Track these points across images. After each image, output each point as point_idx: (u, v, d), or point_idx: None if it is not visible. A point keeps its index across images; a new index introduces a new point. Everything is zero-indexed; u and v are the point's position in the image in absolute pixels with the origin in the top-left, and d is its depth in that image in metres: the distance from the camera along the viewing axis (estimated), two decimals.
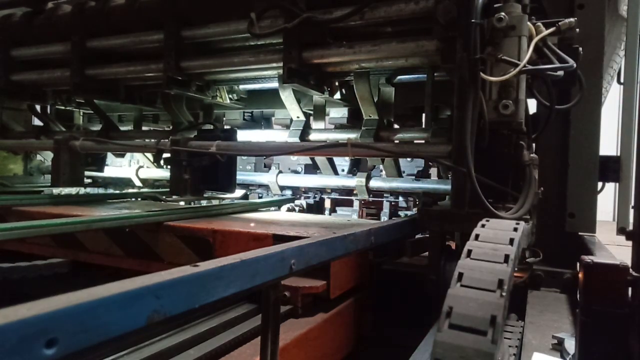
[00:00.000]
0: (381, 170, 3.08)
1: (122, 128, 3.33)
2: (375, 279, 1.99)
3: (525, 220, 1.44)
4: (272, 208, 3.01)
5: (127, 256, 2.11)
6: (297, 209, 3.17)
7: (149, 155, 3.44)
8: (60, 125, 3.52)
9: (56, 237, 2.19)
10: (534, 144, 1.89)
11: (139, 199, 3.01)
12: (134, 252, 2.10)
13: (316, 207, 3.35)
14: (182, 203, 2.36)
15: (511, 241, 1.00)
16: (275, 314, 1.10)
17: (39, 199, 2.66)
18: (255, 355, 1.27)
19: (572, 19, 1.60)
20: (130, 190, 3.40)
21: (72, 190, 2.78)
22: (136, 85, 2.92)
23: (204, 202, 2.78)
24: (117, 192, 3.42)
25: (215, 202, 2.82)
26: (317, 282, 1.63)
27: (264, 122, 3.67)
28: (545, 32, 1.57)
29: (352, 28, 2.05)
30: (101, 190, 3.54)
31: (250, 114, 3.57)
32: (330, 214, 3.31)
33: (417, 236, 2.13)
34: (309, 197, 3.31)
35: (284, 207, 3.08)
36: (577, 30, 1.63)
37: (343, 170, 3.16)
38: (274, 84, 2.73)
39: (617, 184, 2.12)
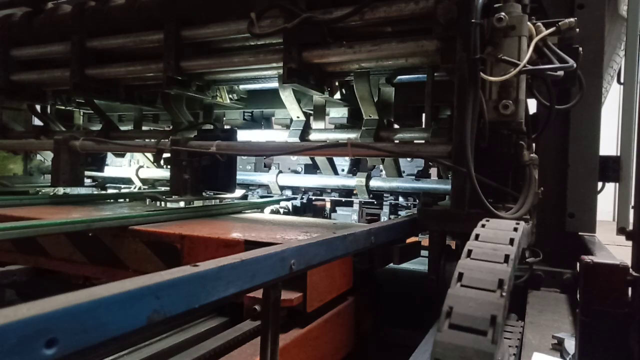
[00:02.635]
0: (381, 170, 3.08)
1: (122, 128, 3.33)
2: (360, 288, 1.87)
3: (525, 220, 1.44)
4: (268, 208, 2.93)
5: (91, 263, 1.95)
6: (282, 210, 3.06)
7: (149, 155, 3.44)
8: (60, 125, 3.52)
9: (17, 241, 2.04)
10: (534, 144, 1.89)
11: (127, 200, 2.94)
12: (98, 258, 1.94)
13: (303, 210, 3.23)
14: (181, 203, 2.34)
15: (511, 241, 1.00)
16: (275, 314, 1.10)
17: (23, 199, 2.54)
18: (255, 355, 1.27)
19: (572, 19, 1.60)
20: (127, 190, 3.40)
21: (67, 190, 2.71)
22: (136, 85, 2.92)
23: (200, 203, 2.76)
24: (116, 192, 3.42)
25: (197, 203, 2.61)
26: (292, 294, 1.47)
27: (264, 122, 3.67)
28: (545, 32, 1.57)
29: (352, 28, 2.05)
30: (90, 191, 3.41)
31: (250, 114, 3.57)
32: (330, 214, 3.31)
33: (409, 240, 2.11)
34: (295, 199, 3.21)
35: (268, 209, 2.93)
36: (577, 30, 1.63)
37: (343, 170, 3.16)
38: (274, 84, 2.73)
39: (617, 184, 2.12)
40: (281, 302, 1.35)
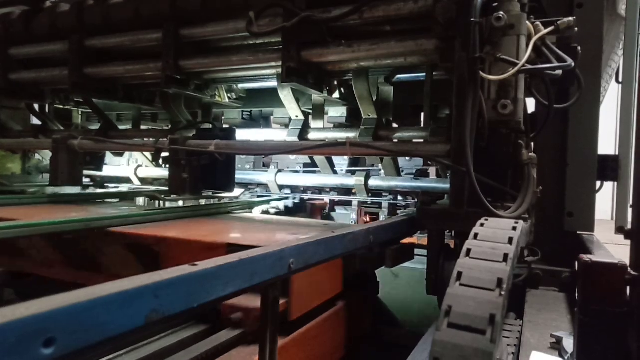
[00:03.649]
0: (380, 170, 3.08)
1: (120, 127, 3.33)
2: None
3: (524, 219, 1.44)
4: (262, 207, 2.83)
5: (69, 267, 1.86)
6: (272, 210, 2.97)
7: (148, 154, 3.43)
8: (58, 124, 3.52)
9: None
10: (532, 143, 1.89)
11: (118, 200, 2.87)
12: (76, 262, 1.84)
13: (296, 210, 3.15)
14: (180, 203, 2.33)
15: (510, 240, 1.00)
16: (274, 314, 1.10)
17: (20, 198, 2.48)
18: (254, 354, 1.26)
19: (570, 18, 1.60)
20: (125, 190, 3.39)
21: (57, 190, 2.66)
22: (135, 84, 2.92)
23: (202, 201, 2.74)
24: (115, 191, 3.42)
25: (189, 203, 2.50)
26: None
27: (263, 121, 3.67)
28: (544, 31, 1.57)
29: (351, 27, 2.04)
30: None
31: (249, 113, 3.57)
32: (329, 214, 3.31)
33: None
34: (287, 198, 3.13)
35: (258, 210, 2.82)
36: (576, 29, 1.63)
37: (342, 170, 3.16)
38: (273, 83, 2.73)
39: (616, 183, 2.12)
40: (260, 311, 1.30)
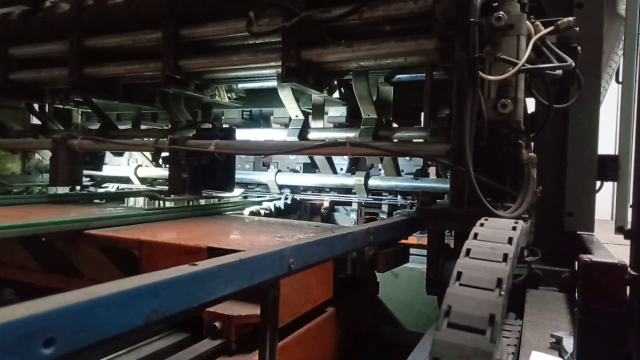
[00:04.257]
0: (380, 169, 3.08)
1: (120, 127, 3.33)
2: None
3: (523, 219, 1.44)
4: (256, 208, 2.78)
5: (44, 271, 1.79)
6: (262, 212, 2.88)
7: (148, 154, 3.43)
8: (58, 124, 3.52)
9: None
10: (532, 143, 1.89)
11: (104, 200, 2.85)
12: (52, 266, 1.77)
13: (287, 211, 3.07)
14: (172, 203, 2.31)
15: (510, 240, 1.00)
16: (273, 313, 1.10)
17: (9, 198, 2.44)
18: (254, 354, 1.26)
19: (570, 18, 1.60)
20: (126, 190, 3.39)
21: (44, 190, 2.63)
22: (135, 84, 2.92)
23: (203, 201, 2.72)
24: (114, 191, 3.42)
25: (179, 203, 2.45)
26: (256, 309, 1.27)
27: (263, 121, 3.67)
28: (544, 31, 1.57)
29: (351, 27, 2.04)
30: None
31: (249, 113, 3.57)
32: (329, 214, 3.31)
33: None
34: (279, 199, 3.04)
35: (247, 211, 2.76)
36: (576, 29, 1.63)
37: (342, 169, 3.16)
38: (273, 83, 2.72)
39: (616, 183, 2.12)
40: (242, 319, 1.28)
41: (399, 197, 2.97)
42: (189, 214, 2.25)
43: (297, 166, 3.36)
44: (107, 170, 3.49)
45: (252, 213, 2.77)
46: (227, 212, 2.52)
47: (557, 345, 1.28)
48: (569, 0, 2.08)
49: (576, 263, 1.34)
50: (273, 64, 2.24)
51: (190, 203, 2.56)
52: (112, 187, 3.55)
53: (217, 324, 1.30)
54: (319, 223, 2.84)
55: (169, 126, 3.16)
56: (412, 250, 2.37)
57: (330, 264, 1.64)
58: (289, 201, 3.11)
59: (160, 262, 1.55)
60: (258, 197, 3.20)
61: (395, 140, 2.37)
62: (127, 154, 3.65)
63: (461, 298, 0.80)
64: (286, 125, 2.94)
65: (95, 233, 1.69)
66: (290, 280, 1.33)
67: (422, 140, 2.30)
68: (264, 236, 1.78)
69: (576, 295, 1.27)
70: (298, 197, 3.17)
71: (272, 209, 2.99)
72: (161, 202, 2.29)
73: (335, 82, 2.55)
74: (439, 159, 1.89)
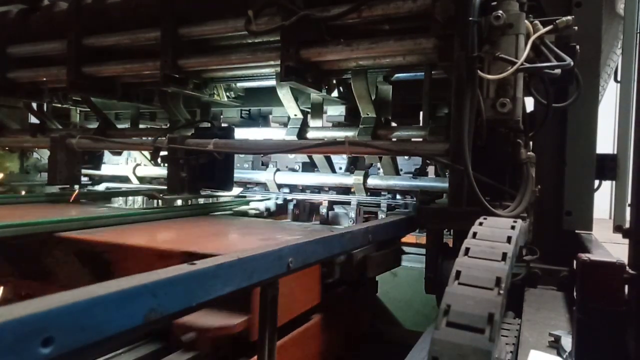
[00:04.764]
0: (379, 168, 3.08)
1: (119, 126, 3.32)
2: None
3: (522, 218, 1.44)
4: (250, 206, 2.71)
5: (16, 276, 1.71)
6: (251, 212, 2.77)
7: (146, 153, 3.43)
8: (56, 123, 3.51)
9: None
10: (531, 142, 1.90)
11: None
12: (24, 270, 1.69)
13: (278, 212, 2.99)
14: (179, 202, 2.31)
15: (509, 239, 1.00)
16: (272, 313, 1.10)
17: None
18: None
19: (569, 17, 1.60)
20: (126, 188, 3.39)
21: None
22: (133, 83, 2.91)
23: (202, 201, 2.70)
24: (114, 190, 3.41)
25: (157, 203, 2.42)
26: (234, 319, 1.23)
27: (262, 120, 3.66)
28: (543, 30, 1.57)
29: (350, 26, 2.04)
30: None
31: (247, 112, 3.57)
32: (327, 213, 3.30)
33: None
34: (269, 199, 2.95)
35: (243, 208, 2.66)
36: (575, 28, 1.63)
37: (341, 169, 3.16)
38: (272, 82, 2.72)
39: (614, 182, 2.12)
40: (218, 330, 1.19)
41: (397, 196, 2.97)
42: (171, 214, 2.14)
43: (295, 165, 3.35)
44: (105, 170, 3.48)
45: (239, 213, 2.67)
46: (215, 212, 2.45)
47: (555, 344, 1.28)
48: None
49: (575, 262, 1.34)
50: (272, 63, 2.24)
51: (180, 203, 2.50)
52: (100, 187, 3.48)
53: (189, 336, 1.21)
54: (308, 224, 2.82)
55: (168, 125, 3.15)
56: (410, 249, 2.37)
57: (317, 268, 1.57)
58: (280, 201, 3.06)
59: (133, 268, 1.38)
60: (246, 196, 3.10)
61: (394, 140, 2.37)
62: (125, 153, 3.65)
63: (460, 297, 0.80)
64: (285, 125, 2.94)
65: (68, 236, 1.60)
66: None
67: (420, 140, 2.30)
68: (247, 238, 1.70)
69: (574, 294, 1.27)
70: (297, 196, 3.16)
71: (262, 209, 2.89)
72: (155, 202, 2.26)
73: (334, 81, 2.55)
74: (438, 158, 1.89)
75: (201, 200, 2.80)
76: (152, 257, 1.44)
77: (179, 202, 2.48)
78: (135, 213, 2.01)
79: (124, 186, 3.53)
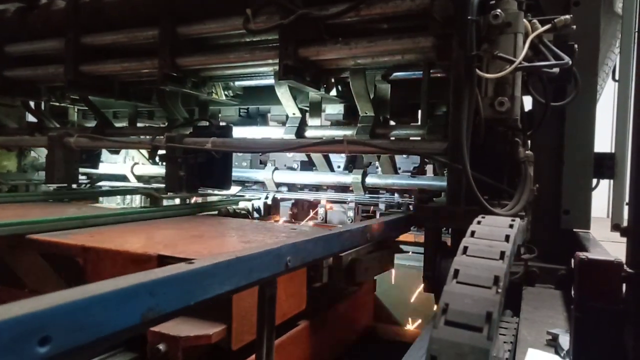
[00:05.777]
0: (377, 167, 3.08)
1: (116, 124, 3.31)
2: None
3: (520, 217, 1.44)
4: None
5: None
6: (241, 212, 2.67)
7: (144, 151, 3.42)
8: (54, 121, 3.50)
9: None
10: (529, 141, 1.90)
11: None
12: None
13: (268, 212, 2.92)
14: (177, 200, 2.31)
15: (507, 238, 1.00)
16: (270, 312, 1.10)
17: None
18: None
19: (567, 16, 1.60)
20: (123, 187, 3.38)
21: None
22: (131, 82, 2.91)
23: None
24: (111, 188, 3.40)
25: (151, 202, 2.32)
26: (212, 328, 1.18)
27: (260, 118, 3.65)
28: (541, 29, 1.57)
29: (348, 25, 2.04)
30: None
31: (246, 111, 3.56)
32: (325, 212, 3.30)
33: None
34: (258, 199, 2.89)
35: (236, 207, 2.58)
36: (573, 27, 1.63)
37: (339, 167, 3.15)
38: (270, 81, 2.72)
39: (612, 181, 2.13)
40: (195, 340, 1.14)
41: (396, 195, 2.97)
42: (155, 215, 2.06)
43: (294, 164, 3.35)
44: (103, 168, 3.47)
45: (223, 213, 2.56)
46: (202, 213, 2.38)
47: (553, 343, 1.28)
48: None
49: (572, 260, 1.35)
50: (270, 61, 2.24)
51: (166, 203, 2.43)
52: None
53: (160, 346, 1.15)
54: (296, 225, 2.76)
55: (166, 124, 3.15)
56: (408, 248, 2.37)
57: (303, 272, 1.52)
58: (269, 201, 2.99)
59: (106, 272, 1.39)
60: (237, 196, 3.04)
61: (393, 138, 2.37)
62: (123, 151, 3.64)
63: (458, 296, 0.80)
64: (283, 123, 2.93)
65: (38, 238, 1.51)
66: (251, 292, 1.13)
67: (419, 138, 2.30)
68: (229, 240, 1.63)
69: (572, 292, 1.27)
70: (288, 195, 3.15)
71: (250, 209, 2.82)
72: (152, 203, 2.24)
73: (333, 80, 2.55)
74: (436, 156, 1.89)
75: (192, 200, 2.75)
76: (126, 261, 1.38)
77: (167, 202, 2.42)
78: (115, 214, 1.93)
79: (118, 184, 3.52)
